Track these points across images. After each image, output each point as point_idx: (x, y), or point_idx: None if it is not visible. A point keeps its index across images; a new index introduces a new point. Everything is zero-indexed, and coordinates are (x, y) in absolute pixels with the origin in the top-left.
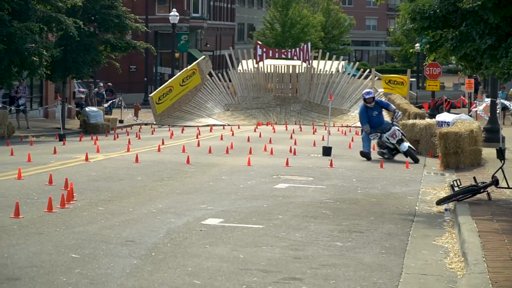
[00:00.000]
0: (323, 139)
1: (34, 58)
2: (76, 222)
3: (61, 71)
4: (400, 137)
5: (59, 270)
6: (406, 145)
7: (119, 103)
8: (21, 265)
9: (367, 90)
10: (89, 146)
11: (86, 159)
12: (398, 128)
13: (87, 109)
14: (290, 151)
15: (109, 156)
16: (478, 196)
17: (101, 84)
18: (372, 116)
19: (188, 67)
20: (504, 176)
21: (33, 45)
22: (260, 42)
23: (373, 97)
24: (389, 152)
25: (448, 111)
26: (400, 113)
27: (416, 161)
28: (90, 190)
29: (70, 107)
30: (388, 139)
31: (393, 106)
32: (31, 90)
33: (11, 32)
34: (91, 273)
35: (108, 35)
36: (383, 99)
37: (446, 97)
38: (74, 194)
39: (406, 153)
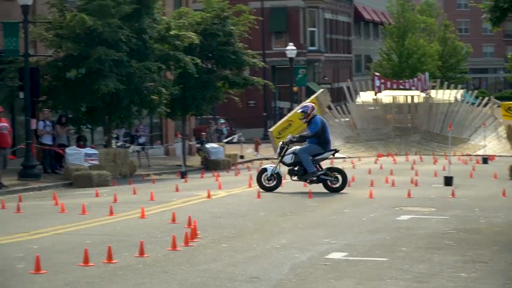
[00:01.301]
0: (444, 169)
1: (154, 97)
2: (200, 259)
3: (181, 109)
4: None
5: None
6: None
7: (239, 138)
8: None
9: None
10: (211, 183)
11: (208, 196)
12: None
13: (207, 145)
14: (412, 182)
15: (231, 193)
16: None
17: (222, 121)
18: None
19: (307, 100)
20: None
21: (152, 84)
22: (377, 74)
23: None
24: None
25: None
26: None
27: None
28: (213, 227)
29: (190, 144)
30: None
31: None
32: (151, 128)
33: (130, 72)
34: None
35: (226, 72)
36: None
37: None
38: (197, 232)
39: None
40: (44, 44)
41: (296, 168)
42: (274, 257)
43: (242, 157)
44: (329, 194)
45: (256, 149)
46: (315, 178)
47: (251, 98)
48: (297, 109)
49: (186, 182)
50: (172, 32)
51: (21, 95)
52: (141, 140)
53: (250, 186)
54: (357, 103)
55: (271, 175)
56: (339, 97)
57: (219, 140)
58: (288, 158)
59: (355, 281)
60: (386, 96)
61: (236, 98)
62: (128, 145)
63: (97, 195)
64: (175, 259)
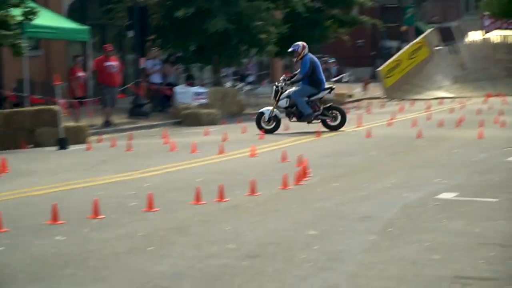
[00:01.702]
0: None
1: (262, 36)
2: (311, 198)
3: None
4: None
5: (297, 247)
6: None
7: (349, 77)
8: (260, 243)
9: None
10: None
11: (318, 135)
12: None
13: None
14: None
15: (340, 132)
16: None
17: (331, 60)
18: None
19: (416, 40)
20: None
21: (261, 23)
22: (487, 13)
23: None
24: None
25: None
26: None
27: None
28: (323, 166)
29: None
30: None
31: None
32: (259, 67)
33: (239, 11)
34: (328, 249)
35: (334, 11)
36: None
37: None
38: (307, 171)
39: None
40: None
41: (293, 110)
42: (385, 196)
43: (350, 96)
44: (439, 134)
45: (365, 89)
46: (312, 119)
47: (359, 37)
48: (406, 48)
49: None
50: None
51: (130, 34)
52: (250, 79)
53: (359, 125)
54: (465, 43)
55: (269, 118)
56: (447, 37)
57: (327, 80)
58: (283, 103)
59: (466, 222)
60: (495, 36)
61: (346, 37)
62: (236, 83)
63: (206, 134)
64: (287, 198)
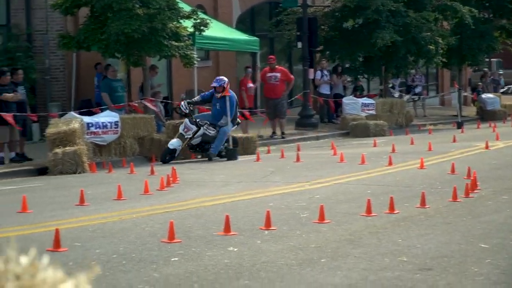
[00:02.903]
0: None
1: (430, 47)
2: (481, 211)
3: (457, 59)
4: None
5: (469, 260)
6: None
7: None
8: (431, 255)
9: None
10: (488, 134)
11: (486, 147)
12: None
13: (483, 96)
14: None
15: (509, 144)
16: None
17: (501, 72)
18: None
19: None
20: None
21: (429, 33)
22: None
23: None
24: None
25: None
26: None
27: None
28: (492, 179)
29: (465, 95)
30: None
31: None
32: (427, 78)
33: (407, 22)
34: (502, 263)
35: (503, 21)
36: None
37: None
38: (477, 183)
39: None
40: None
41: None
42: None
43: None
44: None
45: None
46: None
47: None
48: None
49: (463, 133)
50: None
51: (299, 45)
52: (417, 89)
53: None
54: None
55: None
56: None
57: (495, 91)
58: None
59: None
60: None
61: None
62: (404, 94)
63: (374, 145)
64: (456, 210)
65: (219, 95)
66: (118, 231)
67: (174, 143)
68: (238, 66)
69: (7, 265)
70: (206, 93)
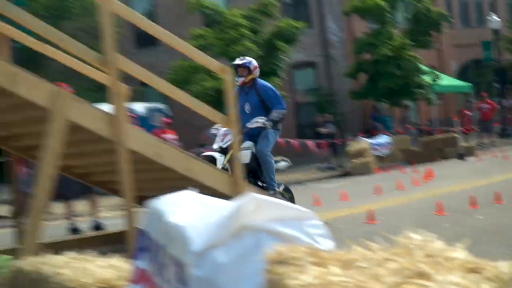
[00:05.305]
0: None
1: None
2: None
3: None
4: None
5: None
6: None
7: None
8: None
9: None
10: None
11: None
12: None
13: None
14: None
15: None
16: None
17: None
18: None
19: None
20: None
21: None
22: None
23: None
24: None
25: None
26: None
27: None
28: None
29: None
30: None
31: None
32: None
33: None
34: None
35: None
36: None
37: None
38: None
39: None
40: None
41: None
42: None
43: None
44: None
45: None
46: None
47: None
48: None
49: None
50: None
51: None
52: None
53: None
54: None
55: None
56: None
57: None
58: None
59: None
60: None
61: None
62: None
63: None
64: None
65: (241, 80)
66: (410, 209)
67: None
68: (460, 99)
69: (424, 244)
70: None
